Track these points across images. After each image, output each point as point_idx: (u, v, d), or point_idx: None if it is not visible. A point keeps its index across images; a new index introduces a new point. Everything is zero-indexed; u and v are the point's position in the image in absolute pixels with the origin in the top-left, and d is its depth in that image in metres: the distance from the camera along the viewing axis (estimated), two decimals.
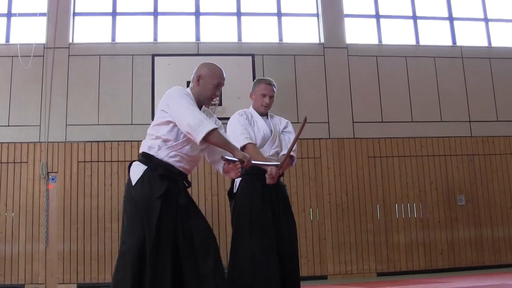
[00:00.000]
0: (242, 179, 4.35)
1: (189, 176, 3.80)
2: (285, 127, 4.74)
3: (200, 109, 3.60)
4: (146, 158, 3.52)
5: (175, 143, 3.48)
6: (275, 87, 4.71)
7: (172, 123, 3.46)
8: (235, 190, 4.43)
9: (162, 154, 3.47)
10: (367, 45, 11.12)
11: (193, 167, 3.66)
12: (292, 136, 4.56)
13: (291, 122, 4.92)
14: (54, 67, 10.09)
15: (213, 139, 3.32)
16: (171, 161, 3.49)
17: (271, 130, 4.58)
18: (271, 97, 4.64)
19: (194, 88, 3.67)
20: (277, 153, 4.55)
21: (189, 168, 3.61)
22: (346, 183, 10.25)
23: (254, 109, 4.68)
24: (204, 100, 3.67)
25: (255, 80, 4.81)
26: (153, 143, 3.53)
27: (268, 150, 4.48)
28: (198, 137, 3.27)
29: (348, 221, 10.10)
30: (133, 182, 3.44)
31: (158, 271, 3.25)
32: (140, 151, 3.62)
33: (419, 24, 11.43)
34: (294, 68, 10.62)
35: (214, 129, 3.31)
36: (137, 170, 3.49)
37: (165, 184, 3.42)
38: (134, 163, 3.59)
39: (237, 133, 4.19)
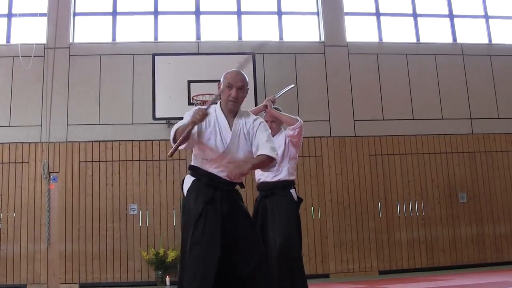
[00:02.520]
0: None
1: None
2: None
3: (236, 114, 3.75)
4: (192, 170, 3.70)
5: (215, 157, 3.61)
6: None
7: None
8: None
9: (206, 166, 3.63)
10: (368, 43, 11.11)
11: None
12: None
13: None
14: (55, 67, 10.10)
15: (178, 135, 3.48)
16: (215, 171, 3.62)
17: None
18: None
19: (222, 97, 3.78)
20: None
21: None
22: (348, 181, 10.25)
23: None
24: (226, 104, 3.73)
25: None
26: (195, 156, 3.72)
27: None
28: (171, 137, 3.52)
29: (349, 219, 10.09)
30: (185, 194, 3.65)
31: (204, 266, 3.42)
32: (190, 164, 3.77)
33: (420, 22, 11.42)
34: (295, 67, 10.61)
35: (179, 127, 3.48)
36: (187, 182, 3.67)
37: (211, 191, 3.57)
38: (187, 175, 3.74)
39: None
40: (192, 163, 3.70)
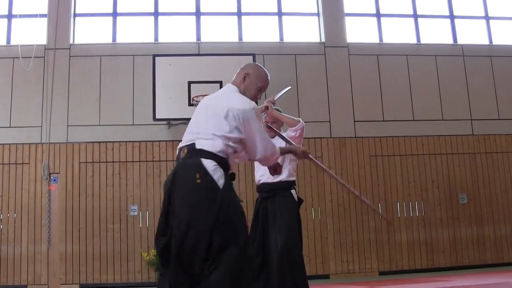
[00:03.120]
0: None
1: None
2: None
3: None
4: (222, 161, 3.35)
5: (239, 153, 3.51)
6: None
7: (243, 139, 3.45)
8: None
9: (231, 161, 3.44)
10: (368, 44, 11.11)
11: None
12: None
13: None
14: (55, 68, 10.10)
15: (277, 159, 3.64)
16: (231, 165, 3.48)
17: None
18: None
19: (240, 86, 3.61)
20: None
21: None
22: (348, 182, 10.20)
23: None
24: None
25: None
26: (225, 148, 3.37)
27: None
28: (272, 162, 3.63)
29: (350, 220, 10.09)
30: (221, 186, 3.27)
31: None
32: (209, 150, 3.33)
33: (420, 23, 11.41)
34: (295, 68, 10.62)
35: (278, 152, 3.63)
36: (220, 174, 3.31)
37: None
38: (210, 162, 3.30)
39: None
40: (223, 155, 3.35)
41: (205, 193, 3.23)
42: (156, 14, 10.80)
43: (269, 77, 3.69)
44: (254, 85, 3.60)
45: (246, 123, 3.41)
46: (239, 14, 10.97)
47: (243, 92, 3.59)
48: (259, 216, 4.79)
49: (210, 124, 3.36)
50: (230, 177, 3.38)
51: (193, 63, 9.94)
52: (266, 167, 4.31)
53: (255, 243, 4.70)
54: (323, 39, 10.91)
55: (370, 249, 10.03)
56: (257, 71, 3.66)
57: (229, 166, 3.39)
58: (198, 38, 10.72)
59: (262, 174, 4.77)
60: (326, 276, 9.81)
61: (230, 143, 3.37)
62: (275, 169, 3.78)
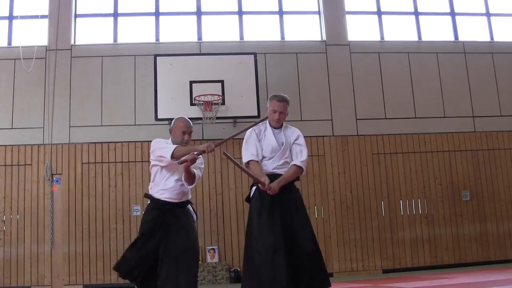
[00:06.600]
0: (256, 187, 4.73)
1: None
2: (296, 139, 4.84)
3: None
4: (148, 197, 4.84)
5: (157, 182, 4.70)
6: (287, 103, 4.82)
7: (155, 167, 4.69)
8: (251, 196, 4.79)
9: (153, 191, 4.73)
10: (369, 42, 11.10)
11: (180, 195, 4.69)
12: (302, 148, 4.79)
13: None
14: (57, 69, 10.11)
15: (178, 153, 4.47)
16: (158, 196, 4.69)
17: (282, 142, 4.75)
18: (281, 113, 4.76)
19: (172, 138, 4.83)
20: (287, 163, 4.72)
21: (175, 197, 4.67)
22: (350, 180, 10.24)
23: (269, 122, 4.86)
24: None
25: (270, 96, 4.92)
26: (150, 185, 4.82)
27: (277, 160, 4.71)
28: (168, 155, 4.49)
29: (352, 218, 10.09)
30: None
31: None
32: None
33: (421, 20, 11.41)
34: (297, 66, 10.61)
35: (176, 147, 4.54)
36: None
37: (154, 213, 4.68)
38: None
39: (245, 150, 4.75)
40: None
41: None
42: (157, 14, 10.80)
43: (187, 122, 4.82)
44: (177, 133, 4.81)
45: (152, 149, 4.84)
46: (240, 13, 10.97)
47: (174, 142, 4.82)
48: (275, 207, 4.64)
49: None
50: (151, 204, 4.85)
51: (194, 62, 9.94)
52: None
53: (275, 234, 4.48)
54: (324, 38, 10.90)
55: (373, 247, 10.03)
56: (174, 124, 4.88)
57: (151, 197, 4.83)
58: (199, 37, 10.73)
59: (267, 165, 4.71)
60: (329, 275, 9.74)
61: (151, 178, 4.87)
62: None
